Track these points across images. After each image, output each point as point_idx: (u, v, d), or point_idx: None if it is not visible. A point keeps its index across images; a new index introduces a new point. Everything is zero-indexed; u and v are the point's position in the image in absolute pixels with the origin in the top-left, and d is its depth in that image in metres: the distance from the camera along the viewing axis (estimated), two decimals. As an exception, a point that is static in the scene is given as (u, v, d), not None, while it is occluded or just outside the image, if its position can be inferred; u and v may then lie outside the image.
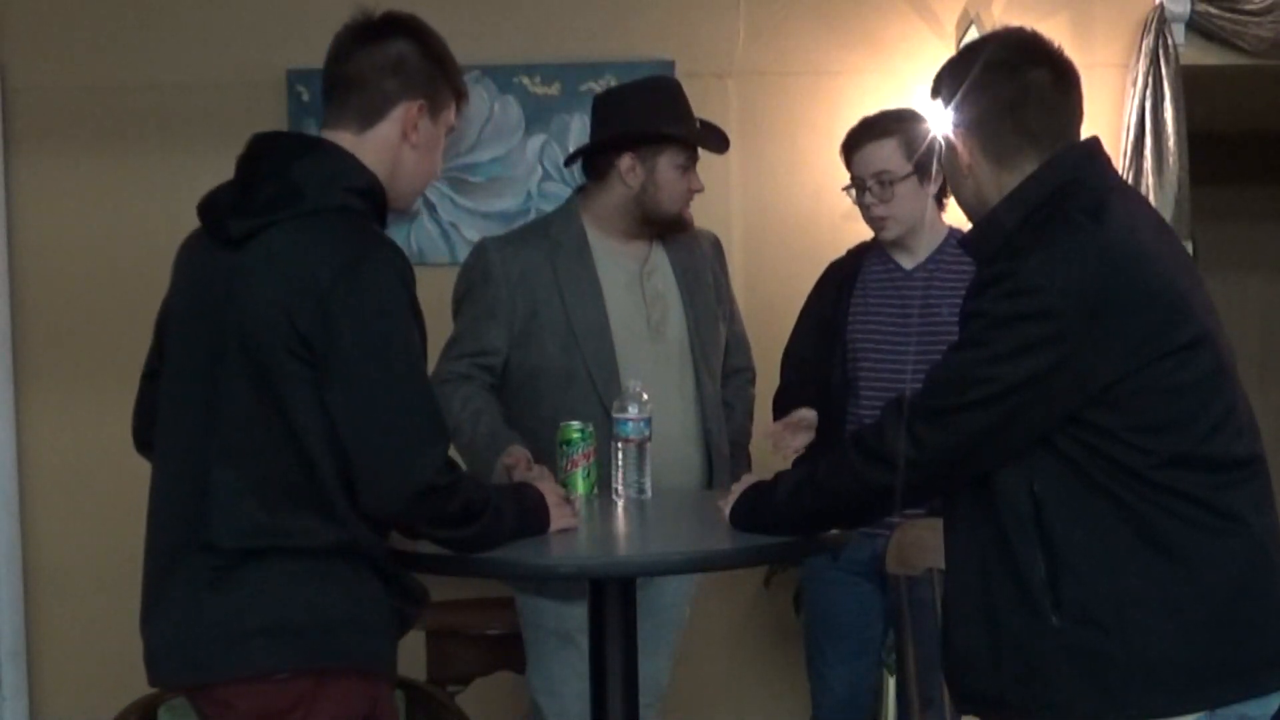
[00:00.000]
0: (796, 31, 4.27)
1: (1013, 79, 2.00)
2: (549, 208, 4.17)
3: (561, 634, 2.94)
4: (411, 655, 3.87)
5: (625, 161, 2.96)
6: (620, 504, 2.64)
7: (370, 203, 2.11)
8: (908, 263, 3.07)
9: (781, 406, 3.17)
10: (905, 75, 4.18)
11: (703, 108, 4.27)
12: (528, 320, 2.93)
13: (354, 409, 1.97)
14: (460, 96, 2.24)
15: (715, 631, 4.28)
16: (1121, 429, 1.88)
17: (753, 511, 2.27)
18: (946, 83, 2.07)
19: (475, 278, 2.98)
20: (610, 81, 4.15)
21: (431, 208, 4.28)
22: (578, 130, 4.21)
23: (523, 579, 2.90)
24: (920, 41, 4.24)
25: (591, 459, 2.68)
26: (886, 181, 2.97)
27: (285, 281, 1.98)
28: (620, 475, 2.65)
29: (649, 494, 2.65)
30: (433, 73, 2.18)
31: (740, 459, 3.18)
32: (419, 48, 2.17)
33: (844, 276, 3.14)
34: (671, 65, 4.20)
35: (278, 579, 1.99)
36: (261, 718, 2.01)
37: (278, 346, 1.98)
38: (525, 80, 4.21)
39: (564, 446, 2.68)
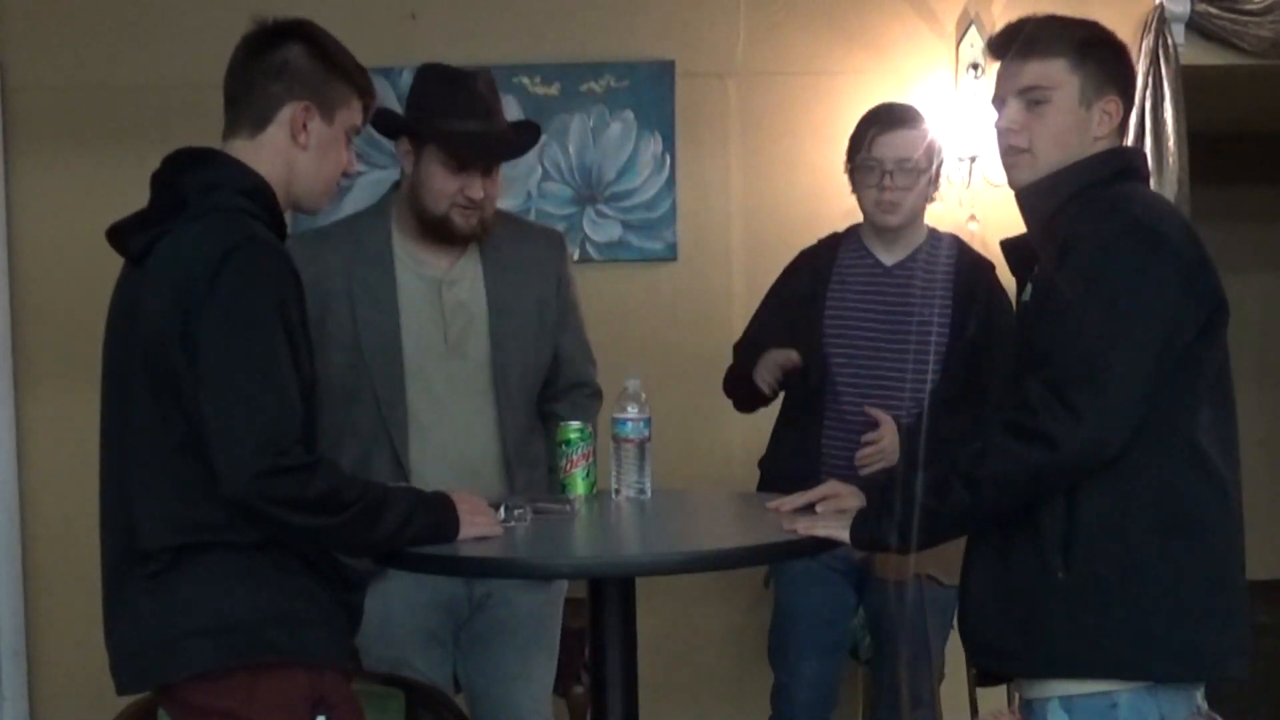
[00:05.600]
0: (796, 31, 4.27)
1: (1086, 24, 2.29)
2: (549, 208, 4.19)
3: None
4: (411, 655, 3.87)
5: (403, 144, 2.71)
6: (620, 504, 2.64)
7: (257, 203, 2.13)
8: (887, 259, 3.06)
9: (733, 391, 3.13)
10: (905, 75, 4.18)
11: (703, 107, 4.30)
12: (316, 327, 2.45)
13: (205, 394, 2.00)
14: (364, 95, 2.24)
15: (715, 631, 4.28)
16: (1187, 389, 2.01)
17: (893, 525, 2.14)
18: (1060, 32, 2.23)
19: None
20: (610, 82, 4.16)
21: (431, 208, 4.28)
22: (577, 130, 4.21)
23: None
24: (920, 41, 4.24)
25: (591, 459, 2.68)
26: (910, 169, 2.97)
27: (169, 284, 2.04)
28: (620, 475, 2.65)
29: (649, 494, 2.65)
30: (321, 73, 2.18)
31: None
32: (307, 50, 2.18)
33: (820, 266, 3.12)
34: (671, 65, 4.20)
35: (208, 579, 2.05)
36: (209, 714, 2.07)
37: (170, 346, 2.02)
38: (525, 80, 4.20)
39: (563, 447, 2.67)
